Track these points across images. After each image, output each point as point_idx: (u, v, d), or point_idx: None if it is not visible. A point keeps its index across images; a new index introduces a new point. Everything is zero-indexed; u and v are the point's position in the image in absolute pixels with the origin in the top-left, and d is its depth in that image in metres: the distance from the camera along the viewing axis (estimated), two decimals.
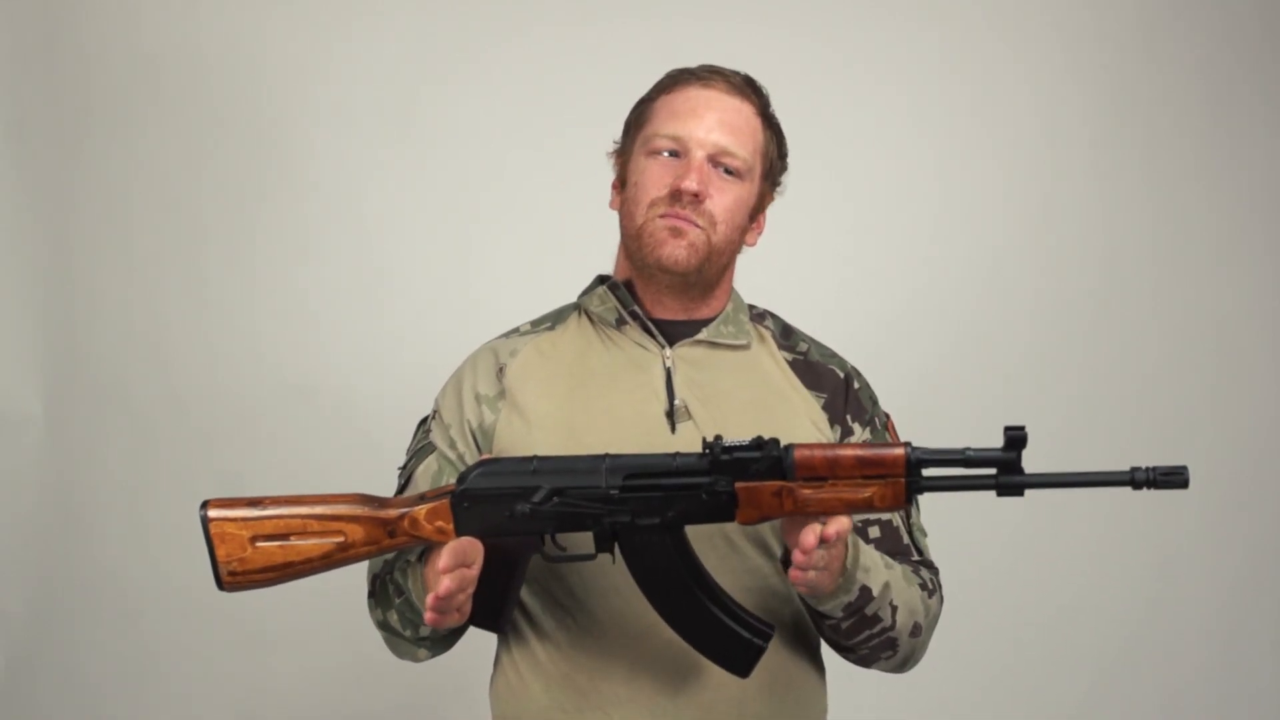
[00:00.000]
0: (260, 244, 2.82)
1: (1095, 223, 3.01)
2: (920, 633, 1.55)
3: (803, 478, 1.35)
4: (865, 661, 1.57)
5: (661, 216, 1.51)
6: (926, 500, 1.62)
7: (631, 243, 1.56)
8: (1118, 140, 3.03)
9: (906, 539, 1.59)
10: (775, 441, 1.37)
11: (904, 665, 1.59)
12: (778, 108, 1.62)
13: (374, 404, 2.76)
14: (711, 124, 1.53)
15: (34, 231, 2.80)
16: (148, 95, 2.79)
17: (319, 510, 1.41)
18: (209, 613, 2.76)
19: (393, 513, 1.41)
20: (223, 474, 2.75)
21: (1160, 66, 3.03)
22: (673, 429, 1.53)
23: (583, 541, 1.42)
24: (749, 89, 1.58)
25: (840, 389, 1.62)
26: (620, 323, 1.58)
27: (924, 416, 2.84)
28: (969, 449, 1.34)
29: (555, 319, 1.65)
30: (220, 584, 1.43)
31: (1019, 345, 2.97)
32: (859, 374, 1.66)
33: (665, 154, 1.53)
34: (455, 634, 1.55)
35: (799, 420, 1.58)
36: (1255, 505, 3.05)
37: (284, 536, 1.40)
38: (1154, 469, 1.32)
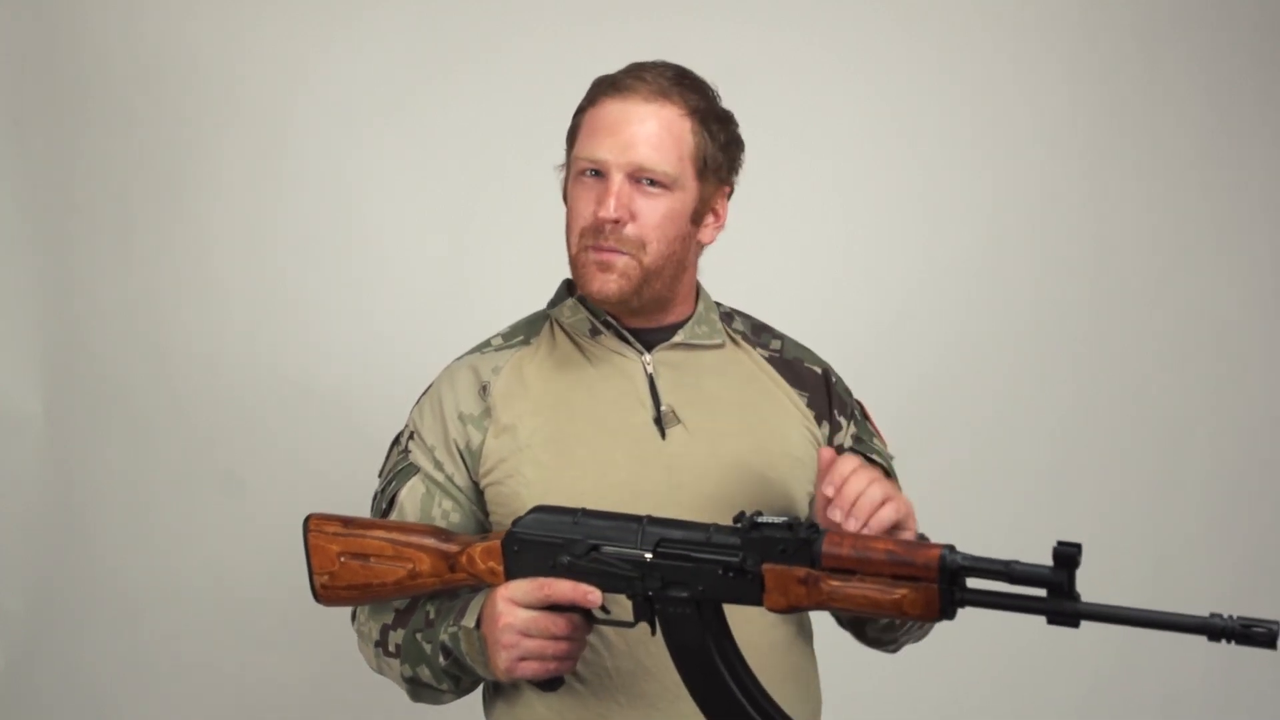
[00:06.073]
0: (260, 244, 2.82)
1: (1093, 222, 3.00)
2: None
3: (829, 568, 1.26)
4: (896, 648, 1.62)
5: (591, 248, 1.49)
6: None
7: (571, 268, 1.54)
8: (1115, 139, 3.01)
9: None
10: (812, 528, 1.28)
11: (923, 637, 1.63)
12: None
13: (374, 404, 2.75)
14: (627, 141, 1.47)
15: (34, 231, 2.79)
16: (148, 95, 2.79)
17: (395, 535, 1.46)
18: (209, 613, 2.76)
19: (454, 547, 1.44)
20: (223, 474, 2.75)
21: (1159, 64, 3.02)
22: (662, 435, 1.52)
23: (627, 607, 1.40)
24: (676, 88, 1.50)
25: (820, 386, 1.62)
26: (594, 332, 1.57)
27: (921, 418, 2.85)
28: (1015, 562, 1.21)
29: (528, 331, 1.62)
30: (316, 595, 1.49)
31: (1017, 346, 2.96)
32: (831, 368, 1.66)
33: (589, 174, 1.50)
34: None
35: (788, 418, 1.58)
36: (1255, 504, 3.05)
37: (365, 557, 1.46)
38: (1237, 619, 1.12)
